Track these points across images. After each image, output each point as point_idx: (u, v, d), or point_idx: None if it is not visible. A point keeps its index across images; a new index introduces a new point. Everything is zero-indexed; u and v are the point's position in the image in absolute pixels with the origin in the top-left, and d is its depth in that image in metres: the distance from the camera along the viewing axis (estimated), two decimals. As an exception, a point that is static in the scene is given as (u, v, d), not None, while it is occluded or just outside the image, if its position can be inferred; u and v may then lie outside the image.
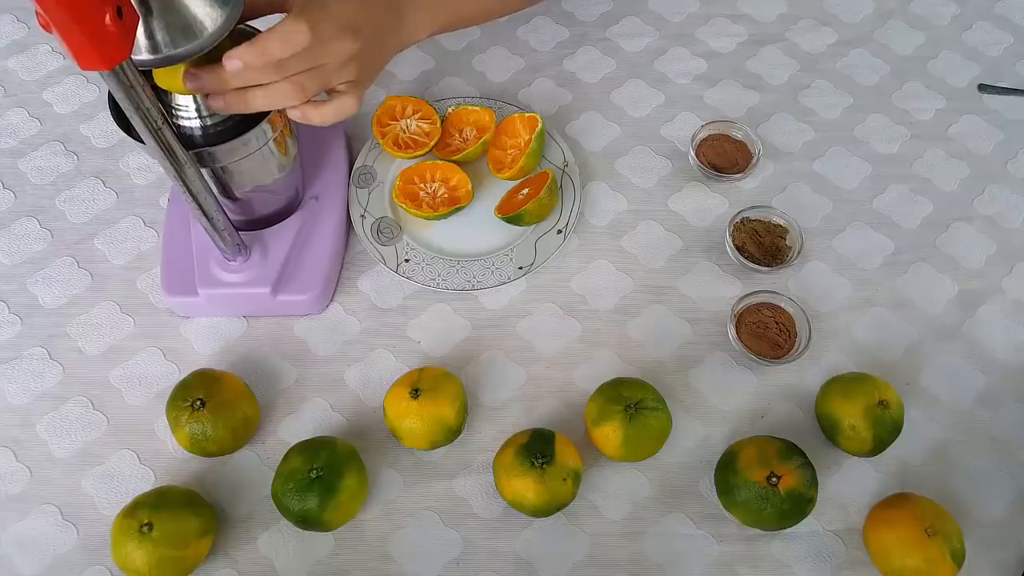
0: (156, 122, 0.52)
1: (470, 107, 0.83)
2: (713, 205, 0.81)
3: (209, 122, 0.61)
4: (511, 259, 0.76)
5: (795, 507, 0.60)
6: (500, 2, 0.78)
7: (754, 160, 0.80)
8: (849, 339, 0.73)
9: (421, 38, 0.70)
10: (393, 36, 0.66)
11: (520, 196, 0.78)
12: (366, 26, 0.60)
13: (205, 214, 0.62)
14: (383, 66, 0.66)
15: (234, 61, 0.54)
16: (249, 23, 0.61)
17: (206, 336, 0.74)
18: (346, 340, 0.74)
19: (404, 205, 0.77)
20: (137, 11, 0.48)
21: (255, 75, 0.56)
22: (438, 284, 0.75)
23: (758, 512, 0.61)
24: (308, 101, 0.60)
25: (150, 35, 0.51)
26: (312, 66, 0.58)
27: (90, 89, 0.89)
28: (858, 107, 0.88)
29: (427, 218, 0.77)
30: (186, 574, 0.61)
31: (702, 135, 0.82)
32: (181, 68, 0.55)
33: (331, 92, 0.62)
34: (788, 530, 0.64)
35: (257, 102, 0.57)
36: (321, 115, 0.61)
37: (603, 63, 0.91)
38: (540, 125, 0.79)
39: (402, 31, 0.67)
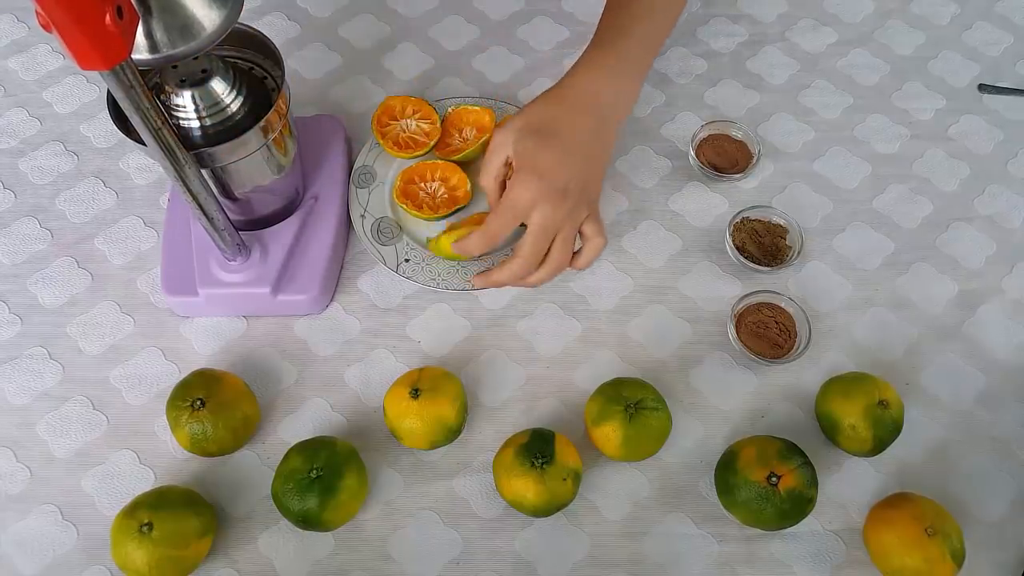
0: (156, 122, 0.52)
1: (470, 107, 0.83)
2: (713, 205, 0.81)
3: (208, 122, 0.61)
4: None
5: (795, 507, 0.60)
6: (670, 24, 0.77)
7: (754, 160, 0.80)
8: (849, 339, 0.73)
9: (625, 116, 0.72)
10: (602, 155, 0.68)
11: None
12: (572, 172, 0.64)
13: (205, 214, 0.62)
14: (601, 179, 0.69)
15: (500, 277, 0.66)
16: (249, 24, 0.61)
17: (206, 336, 0.74)
18: (346, 340, 0.74)
19: (404, 205, 0.77)
20: (137, 11, 0.48)
21: (515, 270, 0.66)
22: (438, 284, 0.75)
23: (758, 512, 0.61)
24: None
25: (149, 35, 0.51)
26: (551, 238, 0.64)
27: (90, 89, 0.90)
28: (858, 107, 0.88)
29: (427, 219, 0.77)
30: (186, 574, 0.61)
31: (702, 135, 0.82)
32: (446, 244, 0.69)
33: (580, 235, 0.67)
34: (788, 530, 0.64)
35: (536, 280, 0.67)
36: (586, 263, 0.68)
37: (603, 63, 0.91)
38: (540, 125, 0.79)
39: (609, 141, 0.69)
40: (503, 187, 0.67)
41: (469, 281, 0.71)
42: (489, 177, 0.67)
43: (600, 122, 0.67)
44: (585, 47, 0.72)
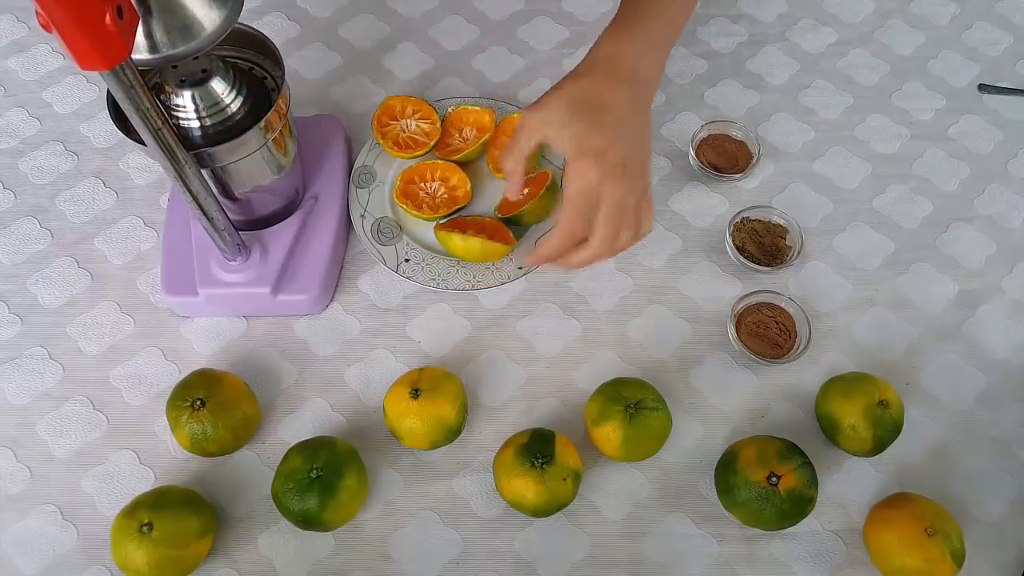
0: (156, 122, 0.52)
1: (470, 107, 0.83)
2: (713, 205, 0.81)
3: (208, 122, 0.61)
4: (511, 259, 0.76)
5: (795, 507, 0.60)
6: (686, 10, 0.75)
7: (754, 160, 0.80)
8: (849, 339, 0.73)
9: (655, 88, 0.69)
10: (646, 127, 0.65)
11: (520, 196, 0.78)
12: (629, 147, 0.61)
13: (205, 214, 0.62)
14: (650, 153, 0.66)
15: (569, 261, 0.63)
16: (249, 24, 0.61)
17: (206, 336, 0.74)
18: (346, 340, 0.74)
19: (404, 205, 0.77)
20: (137, 11, 0.48)
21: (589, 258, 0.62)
22: (438, 284, 0.75)
23: (758, 512, 0.61)
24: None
25: (149, 35, 0.51)
26: (622, 216, 0.60)
27: (90, 89, 0.90)
28: (858, 107, 0.88)
29: (427, 219, 0.77)
30: (186, 574, 0.61)
31: (702, 135, 0.82)
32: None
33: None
34: (788, 530, 0.64)
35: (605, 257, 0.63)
36: (644, 232, 0.64)
37: (603, 63, 0.91)
38: (540, 125, 0.79)
39: (648, 115, 0.66)
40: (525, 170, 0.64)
41: (526, 265, 0.69)
42: (517, 161, 0.62)
43: (638, 94, 0.64)
44: (584, 48, 0.72)
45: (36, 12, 0.42)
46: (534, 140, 0.61)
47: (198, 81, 0.60)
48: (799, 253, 0.75)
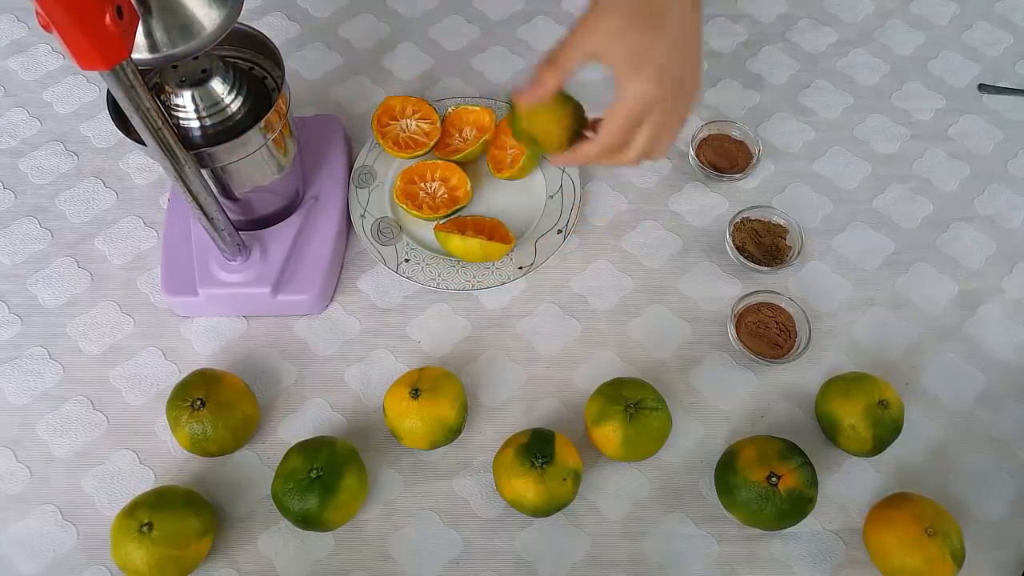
0: (156, 122, 0.52)
1: (470, 107, 0.83)
2: (713, 205, 0.81)
3: (208, 122, 0.61)
4: (511, 259, 0.76)
5: (795, 507, 0.60)
6: None
7: (754, 160, 0.80)
8: (849, 339, 0.73)
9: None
10: (700, 27, 0.60)
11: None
12: (687, 62, 0.57)
13: (205, 214, 0.62)
14: (701, 51, 0.61)
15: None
16: (249, 24, 0.61)
17: (206, 336, 0.74)
18: (346, 340, 0.74)
19: (404, 205, 0.77)
20: (137, 11, 0.48)
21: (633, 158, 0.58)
22: (438, 284, 0.75)
23: (758, 512, 0.61)
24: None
25: (149, 35, 0.51)
26: (664, 129, 0.57)
27: (90, 89, 0.90)
28: (858, 107, 0.88)
29: (427, 219, 0.77)
30: (186, 574, 0.61)
31: (702, 135, 0.82)
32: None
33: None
34: (788, 530, 0.64)
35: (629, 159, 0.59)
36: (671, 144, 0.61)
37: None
38: (540, 125, 0.79)
39: (700, 24, 0.61)
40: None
41: (564, 156, 0.61)
42: (555, 77, 0.56)
43: (697, 20, 0.59)
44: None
45: (36, 12, 0.42)
46: (581, 52, 0.55)
47: (198, 81, 0.60)
48: (799, 253, 0.75)
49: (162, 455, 0.68)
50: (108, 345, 0.74)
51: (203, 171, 0.62)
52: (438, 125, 0.81)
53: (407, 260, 0.76)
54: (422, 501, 0.66)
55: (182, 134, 0.61)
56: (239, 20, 0.55)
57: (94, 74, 0.89)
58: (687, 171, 0.83)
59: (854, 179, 0.83)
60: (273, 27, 0.94)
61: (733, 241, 0.76)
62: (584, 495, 0.66)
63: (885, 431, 0.64)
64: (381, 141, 0.80)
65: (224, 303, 0.73)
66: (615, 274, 0.77)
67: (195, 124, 0.61)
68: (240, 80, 0.63)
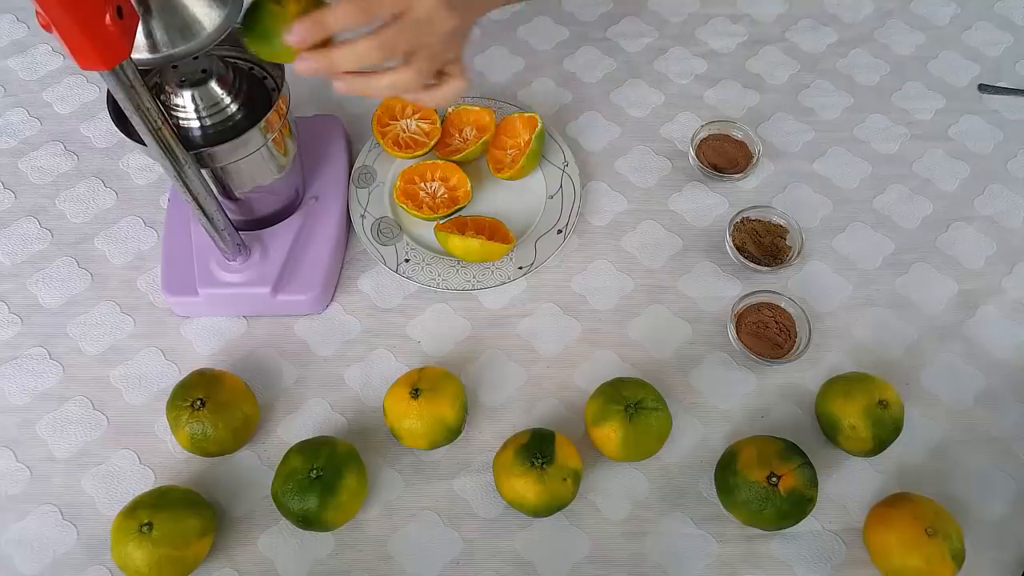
0: (156, 122, 0.52)
1: (470, 107, 0.83)
2: (713, 205, 0.81)
3: (208, 122, 0.61)
4: (511, 259, 0.76)
5: (795, 507, 0.60)
6: None
7: (754, 160, 0.80)
8: (849, 339, 0.73)
9: (495, 7, 0.67)
10: (478, 6, 0.63)
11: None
12: (459, 1, 0.58)
13: (205, 214, 0.62)
14: (471, 30, 0.63)
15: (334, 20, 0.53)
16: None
17: (206, 336, 0.74)
18: (346, 340, 0.74)
19: (404, 205, 0.77)
20: (137, 11, 0.48)
21: (365, 52, 0.55)
22: (438, 284, 0.75)
23: (758, 512, 0.61)
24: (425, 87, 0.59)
25: (149, 35, 0.51)
26: (420, 45, 0.56)
27: (90, 89, 0.90)
28: (858, 107, 0.88)
29: (427, 219, 0.77)
30: (186, 574, 0.61)
31: (702, 135, 0.82)
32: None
33: (438, 75, 0.60)
34: (788, 530, 0.64)
35: (380, 88, 0.57)
36: (435, 100, 0.60)
37: (603, 63, 0.91)
38: (540, 125, 0.79)
39: (485, 2, 0.64)
40: None
41: (292, 49, 0.55)
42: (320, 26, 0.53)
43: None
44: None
45: (36, 12, 0.42)
46: None
47: (198, 81, 0.60)
48: (799, 253, 0.75)
49: (162, 455, 0.68)
50: (108, 345, 0.74)
51: (203, 171, 0.62)
52: (438, 125, 0.81)
53: (407, 260, 0.76)
54: (422, 501, 0.66)
55: (182, 134, 0.61)
56: (239, 20, 0.55)
57: (94, 74, 0.89)
58: (687, 171, 0.83)
59: (854, 179, 0.83)
60: (273, 27, 0.94)
61: (733, 241, 0.76)
62: (584, 495, 0.66)
63: (885, 431, 0.64)
64: (381, 141, 0.80)
65: (224, 303, 0.73)
66: (615, 274, 0.77)
67: (195, 124, 0.61)
68: (240, 80, 0.63)
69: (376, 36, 0.55)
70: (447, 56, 0.59)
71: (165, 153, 0.55)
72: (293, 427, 0.70)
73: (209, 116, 0.61)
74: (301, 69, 0.55)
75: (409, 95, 0.60)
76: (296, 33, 0.53)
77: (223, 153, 0.61)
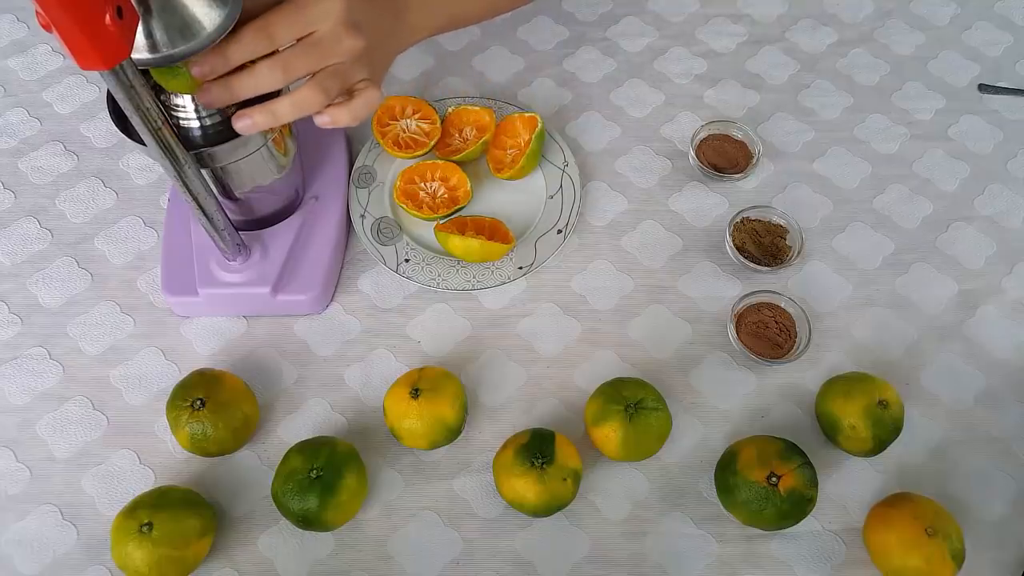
0: (156, 122, 0.52)
1: (470, 107, 0.83)
2: (713, 205, 0.81)
3: (208, 122, 0.61)
4: (511, 259, 0.76)
5: (795, 507, 0.60)
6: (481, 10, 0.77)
7: (754, 160, 0.80)
8: (849, 339, 0.73)
9: (420, 39, 0.70)
10: (394, 35, 0.66)
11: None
12: (367, 23, 0.60)
13: (205, 214, 0.62)
14: (388, 66, 0.66)
15: (240, 46, 0.54)
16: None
17: (206, 336, 0.74)
18: (346, 340, 0.74)
19: (404, 205, 0.77)
20: (137, 11, 0.48)
21: (266, 76, 0.55)
22: (438, 284, 0.75)
23: (758, 512, 0.61)
24: (332, 104, 0.59)
25: (148, 34, 0.51)
26: (324, 65, 0.57)
27: (90, 89, 0.90)
28: (858, 107, 0.88)
29: (427, 219, 0.77)
30: (186, 574, 0.61)
31: (702, 135, 0.82)
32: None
33: (350, 93, 0.61)
34: (788, 530, 0.64)
35: (283, 110, 0.57)
36: (351, 113, 0.60)
37: (603, 63, 0.91)
38: (540, 125, 0.79)
39: (401, 31, 0.67)
40: None
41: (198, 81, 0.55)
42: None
43: (394, 16, 0.65)
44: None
45: (36, 12, 0.42)
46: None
47: (198, 81, 0.60)
48: (799, 253, 0.75)
49: (162, 455, 0.68)
50: (108, 345, 0.74)
51: (203, 171, 0.62)
52: (438, 125, 0.81)
53: (407, 260, 0.76)
54: (422, 501, 0.66)
55: (182, 134, 0.61)
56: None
57: (94, 74, 0.89)
58: (687, 171, 0.83)
59: (854, 179, 0.83)
60: (273, 27, 0.94)
61: (733, 241, 0.76)
62: (584, 495, 0.66)
63: (885, 431, 0.64)
64: (381, 141, 0.80)
65: (224, 303, 0.73)
66: (615, 274, 0.77)
67: (195, 124, 0.61)
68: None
69: (275, 57, 0.55)
70: (355, 76, 0.60)
71: (165, 153, 0.55)
72: (293, 427, 0.70)
73: (209, 116, 0.61)
74: (204, 101, 0.56)
75: (317, 115, 0.59)
76: (200, 65, 0.54)
77: (223, 153, 0.61)
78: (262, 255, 0.72)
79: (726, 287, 0.76)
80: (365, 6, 0.60)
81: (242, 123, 0.57)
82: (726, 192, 0.82)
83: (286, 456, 0.63)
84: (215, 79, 0.55)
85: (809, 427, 0.69)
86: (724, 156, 0.82)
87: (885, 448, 0.65)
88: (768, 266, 0.74)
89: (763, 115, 0.87)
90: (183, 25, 0.52)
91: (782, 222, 0.77)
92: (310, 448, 0.63)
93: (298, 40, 0.56)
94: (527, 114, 0.81)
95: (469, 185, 0.78)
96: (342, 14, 0.57)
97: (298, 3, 0.55)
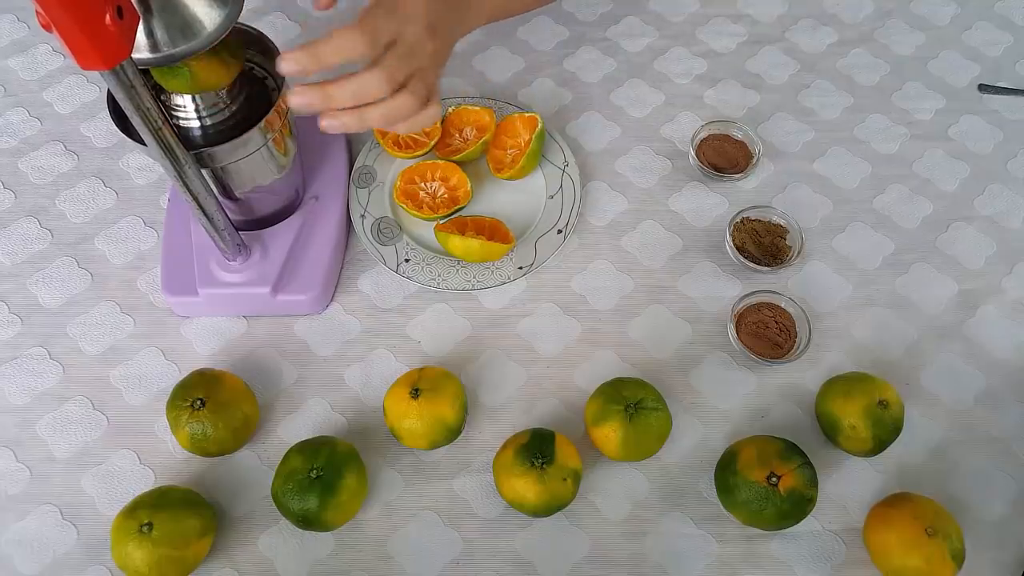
0: (156, 122, 0.52)
1: (470, 107, 0.83)
2: (713, 205, 0.81)
3: (208, 122, 0.61)
4: (511, 259, 0.76)
5: (795, 507, 0.60)
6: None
7: (754, 160, 0.80)
8: (849, 339, 0.73)
9: (476, 27, 0.69)
10: (453, 34, 0.64)
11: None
12: (440, 24, 0.59)
13: (205, 214, 0.62)
14: (450, 51, 0.64)
15: (334, 48, 0.52)
16: (249, 24, 0.61)
17: (206, 336, 0.74)
18: (346, 340, 0.74)
19: (404, 205, 0.77)
20: (137, 11, 0.48)
21: (373, 85, 0.54)
22: (438, 284, 0.75)
23: (758, 512, 0.61)
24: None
25: (149, 34, 0.51)
26: (413, 70, 0.56)
27: (90, 89, 0.90)
28: (858, 107, 0.88)
29: (427, 219, 0.77)
30: (186, 574, 0.61)
31: (702, 135, 0.82)
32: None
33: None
34: (788, 530, 0.64)
35: (373, 116, 0.56)
36: (420, 123, 0.59)
37: (603, 63, 0.91)
38: (540, 125, 0.79)
39: (466, 22, 0.65)
40: None
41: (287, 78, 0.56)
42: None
43: (462, 19, 0.64)
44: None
45: (36, 12, 0.42)
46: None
47: (198, 81, 0.60)
48: (799, 253, 0.75)
49: (162, 455, 0.68)
50: (108, 345, 0.74)
51: (203, 171, 0.62)
52: (438, 125, 0.81)
53: (407, 260, 0.76)
54: (422, 501, 0.66)
55: (182, 134, 0.61)
56: (239, 20, 0.55)
57: (94, 74, 0.89)
58: (687, 171, 0.83)
59: (854, 179, 0.83)
60: (273, 27, 0.94)
61: (733, 241, 0.76)
62: (584, 495, 0.66)
63: (885, 431, 0.64)
64: (381, 141, 0.80)
65: (224, 303, 0.73)
66: (615, 274, 0.77)
67: (195, 124, 0.61)
68: (240, 80, 0.63)
69: (378, 66, 0.54)
70: (432, 79, 0.59)
71: (165, 153, 0.55)
72: (293, 427, 0.70)
73: (209, 116, 0.61)
74: (295, 104, 0.54)
75: (400, 125, 0.58)
76: (289, 62, 0.52)
77: (223, 153, 0.61)
78: (262, 255, 0.72)
79: (726, 287, 0.76)
80: (440, 7, 0.59)
81: (331, 123, 0.56)
82: (726, 192, 0.82)
83: (286, 456, 0.63)
84: (312, 85, 0.54)
85: (809, 427, 0.69)
86: (724, 156, 0.82)
87: (885, 448, 0.65)
88: (768, 266, 0.74)
89: (763, 115, 0.87)
90: (183, 25, 0.52)
91: (782, 222, 0.77)
92: (310, 448, 0.63)
93: (386, 46, 0.55)
94: (527, 114, 0.81)
95: (469, 185, 0.78)
96: (425, 18, 0.56)
97: (367, 20, 0.54)
